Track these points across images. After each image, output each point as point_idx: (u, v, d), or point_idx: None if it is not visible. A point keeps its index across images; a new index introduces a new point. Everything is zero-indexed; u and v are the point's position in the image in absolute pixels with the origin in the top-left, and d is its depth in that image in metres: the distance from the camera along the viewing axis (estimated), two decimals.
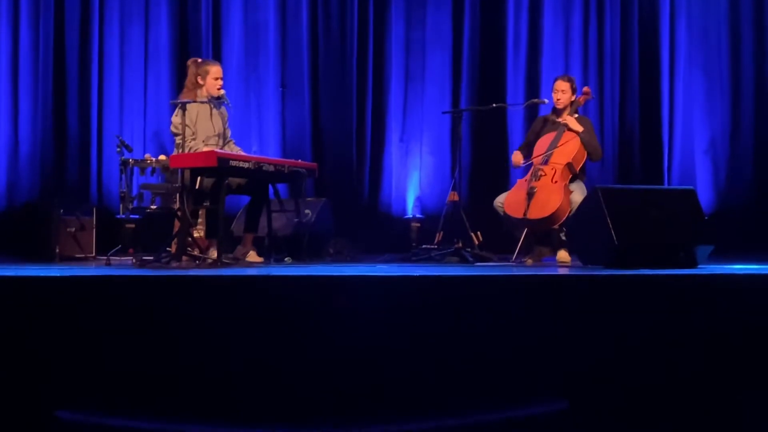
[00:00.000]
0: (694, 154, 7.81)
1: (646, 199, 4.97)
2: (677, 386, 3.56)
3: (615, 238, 4.67)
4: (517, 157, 5.97)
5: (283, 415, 3.31)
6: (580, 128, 5.83)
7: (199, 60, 5.81)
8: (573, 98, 5.97)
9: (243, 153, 5.62)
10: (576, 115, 5.96)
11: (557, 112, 5.99)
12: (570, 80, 6.02)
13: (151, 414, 3.22)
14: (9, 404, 3.28)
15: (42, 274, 3.64)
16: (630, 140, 7.82)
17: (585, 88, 6.12)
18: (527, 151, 6.01)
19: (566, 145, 5.78)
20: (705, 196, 7.52)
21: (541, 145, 5.88)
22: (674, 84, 7.85)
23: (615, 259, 4.68)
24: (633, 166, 7.80)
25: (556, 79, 6.06)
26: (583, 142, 5.78)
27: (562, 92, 5.94)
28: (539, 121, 6.18)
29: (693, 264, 4.82)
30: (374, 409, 3.33)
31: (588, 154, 5.83)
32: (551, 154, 5.76)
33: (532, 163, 5.83)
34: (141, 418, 3.19)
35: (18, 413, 3.28)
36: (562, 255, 5.68)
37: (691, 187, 5.55)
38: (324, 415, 3.30)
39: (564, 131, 5.84)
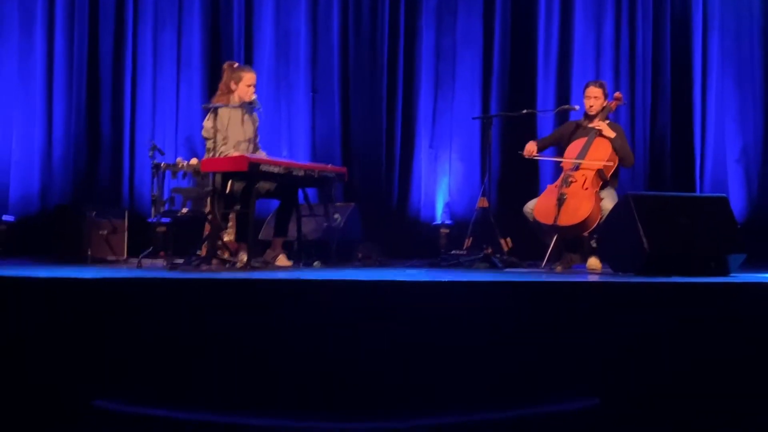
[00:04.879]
0: (726, 162, 7.71)
1: (677, 207, 4.93)
2: (707, 394, 3.53)
3: (646, 245, 4.64)
4: (530, 146, 5.96)
5: (306, 413, 3.36)
6: (612, 134, 5.80)
7: (235, 65, 5.86)
8: (605, 104, 5.94)
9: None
10: (607, 122, 5.93)
11: (589, 117, 5.97)
12: (602, 85, 6.00)
13: (183, 405, 3.29)
14: (49, 394, 3.40)
15: (79, 276, 3.74)
16: (661, 147, 7.75)
17: (616, 94, 6.08)
18: (543, 146, 6.08)
19: (597, 151, 5.75)
20: (737, 204, 7.42)
21: (572, 150, 5.86)
22: (706, 91, 7.76)
23: (646, 266, 4.65)
24: (664, 173, 7.72)
25: (587, 85, 6.03)
26: (615, 148, 5.75)
27: (594, 98, 5.92)
28: (570, 125, 6.13)
29: (725, 272, 4.77)
30: (411, 404, 3.35)
31: (620, 159, 5.79)
32: (582, 160, 5.73)
33: (555, 163, 5.80)
34: (176, 409, 3.25)
35: (58, 403, 3.40)
36: (593, 262, 5.65)
37: (724, 194, 5.49)
38: (346, 407, 3.34)
39: (595, 137, 5.81)
